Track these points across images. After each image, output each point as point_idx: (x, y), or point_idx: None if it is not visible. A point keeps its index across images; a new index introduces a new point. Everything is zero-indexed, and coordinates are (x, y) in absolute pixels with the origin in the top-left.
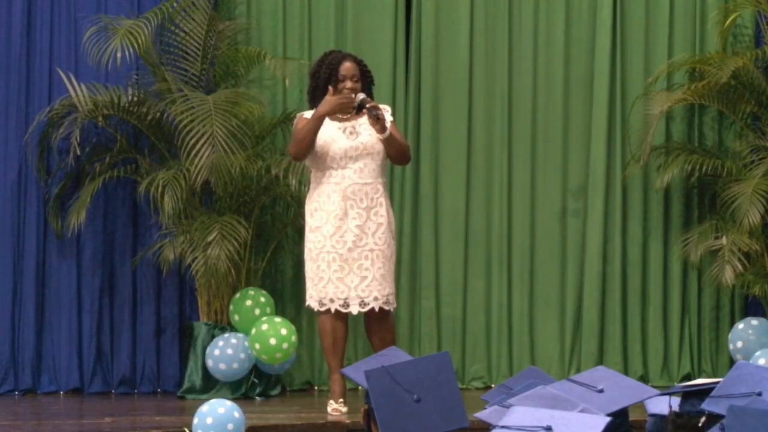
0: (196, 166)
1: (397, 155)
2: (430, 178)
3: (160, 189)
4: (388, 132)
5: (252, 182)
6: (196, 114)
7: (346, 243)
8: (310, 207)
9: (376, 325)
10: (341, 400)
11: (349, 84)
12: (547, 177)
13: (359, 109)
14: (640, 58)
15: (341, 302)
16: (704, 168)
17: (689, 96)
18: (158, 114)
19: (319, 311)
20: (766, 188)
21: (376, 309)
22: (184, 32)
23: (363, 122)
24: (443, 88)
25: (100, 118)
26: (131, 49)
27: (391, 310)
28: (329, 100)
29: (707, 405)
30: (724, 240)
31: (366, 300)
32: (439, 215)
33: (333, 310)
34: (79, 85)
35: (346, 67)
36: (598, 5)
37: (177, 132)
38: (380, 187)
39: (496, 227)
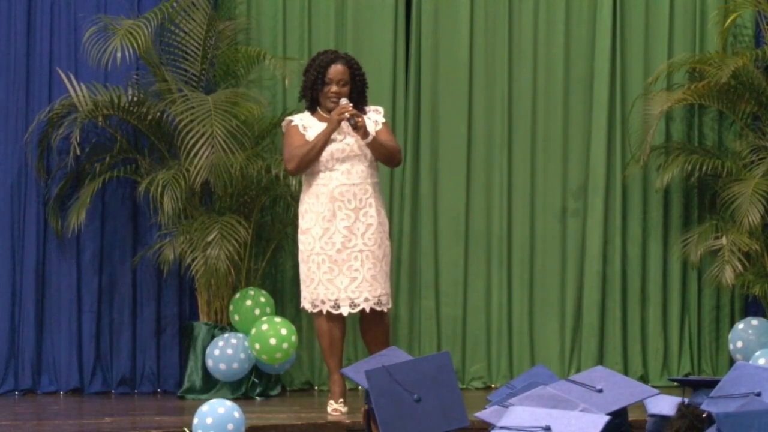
0: (195, 166)
1: (384, 159)
2: (430, 178)
3: (159, 189)
4: (370, 137)
5: (252, 182)
6: (196, 114)
7: (334, 244)
8: (301, 209)
9: (371, 326)
10: (341, 400)
11: (334, 88)
12: (547, 177)
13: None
14: (640, 58)
15: (332, 303)
16: (704, 168)
17: (689, 96)
18: (158, 114)
19: (313, 313)
20: (766, 188)
21: (367, 310)
22: (184, 32)
23: None
24: (443, 88)
25: (100, 118)
26: (131, 49)
27: (385, 310)
28: (331, 119)
29: (706, 406)
30: (724, 240)
31: (356, 301)
32: (438, 215)
33: (325, 312)
34: (79, 85)
35: (335, 70)
36: (598, 5)
37: (177, 132)
38: (369, 188)
39: (496, 227)
